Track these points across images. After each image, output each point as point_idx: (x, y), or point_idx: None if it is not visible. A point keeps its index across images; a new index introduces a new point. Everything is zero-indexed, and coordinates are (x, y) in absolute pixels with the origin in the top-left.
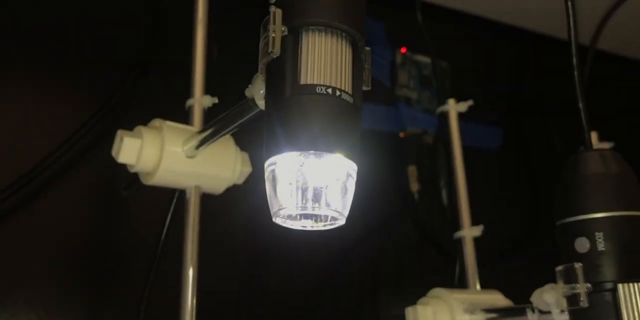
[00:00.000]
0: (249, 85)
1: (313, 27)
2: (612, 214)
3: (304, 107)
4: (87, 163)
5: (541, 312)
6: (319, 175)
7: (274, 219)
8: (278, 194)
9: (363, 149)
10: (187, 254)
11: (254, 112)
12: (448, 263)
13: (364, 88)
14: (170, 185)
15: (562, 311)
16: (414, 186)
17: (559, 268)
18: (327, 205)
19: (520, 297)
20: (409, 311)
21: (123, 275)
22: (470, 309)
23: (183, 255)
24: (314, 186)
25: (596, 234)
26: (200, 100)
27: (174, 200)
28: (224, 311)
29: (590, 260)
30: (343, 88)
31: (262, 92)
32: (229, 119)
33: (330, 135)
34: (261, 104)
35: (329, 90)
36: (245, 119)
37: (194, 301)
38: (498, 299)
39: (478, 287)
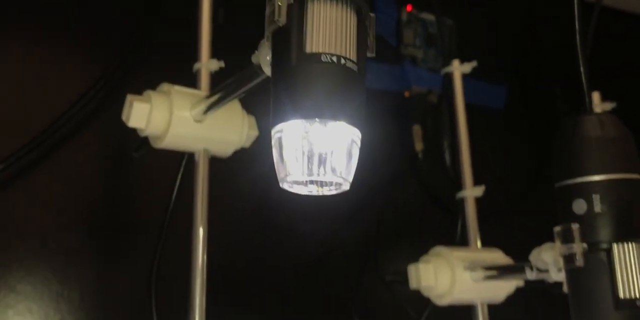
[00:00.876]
0: (255, 51)
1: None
2: (608, 177)
3: (309, 76)
4: (97, 124)
5: (539, 270)
6: (324, 142)
7: (280, 185)
8: (285, 161)
9: (368, 109)
10: (197, 213)
11: (260, 78)
12: (451, 221)
13: (369, 54)
14: (179, 148)
15: (559, 270)
16: (418, 145)
17: (557, 228)
18: (333, 171)
19: (521, 255)
20: (411, 269)
21: (137, 231)
22: (471, 267)
23: (193, 215)
24: (319, 153)
25: (593, 196)
26: (207, 64)
27: (184, 163)
28: (232, 273)
29: (587, 221)
30: (348, 56)
31: (268, 58)
32: (235, 84)
33: (335, 103)
34: (267, 70)
35: (334, 59)
36: (251, 85)
37: (205, 257)
38: (498, 257)
39: (479, 245)
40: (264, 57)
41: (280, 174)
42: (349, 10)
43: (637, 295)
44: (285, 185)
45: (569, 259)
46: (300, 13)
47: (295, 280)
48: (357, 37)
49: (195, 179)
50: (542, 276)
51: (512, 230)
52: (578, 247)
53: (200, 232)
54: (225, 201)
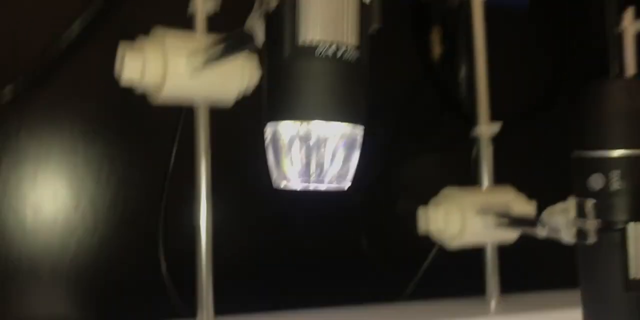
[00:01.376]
0: (249, 18)
1: None
2: (631, 153)
3: (303, 75)
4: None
5: (551, 228)
6: (320, 146)
7: (274, 185)
8: (280, 165)
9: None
10: (200, 168)
11: (253, 48)
12: (469, 130)
13: (374, 26)
14: (178, 101)
15: (571, 236)
16: (436, 50)
17: (571, 200)
18: (331, 177)
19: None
20: (421, 211)
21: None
22: (483, 212)
23: (195, 170)
24: (317, 158)
25: (612, 171)
26: (202, 6)
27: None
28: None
29: (603, 197)
30: (347, 42)
31: (260, 34)
32: (229, 46)
33: (331, 104)
34: (260, 43)
35: (331, 51)
36: (245, 50)
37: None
38: (511, 199)
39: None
40: (257, 32)
41: (274, 177)
42: None
43: None
44: (280, 186)
45: (581, 234)
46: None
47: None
48: (359, 14)
49: (196, 132)
50: (553, 235)
51: (527, 136)
52: (591, 224)
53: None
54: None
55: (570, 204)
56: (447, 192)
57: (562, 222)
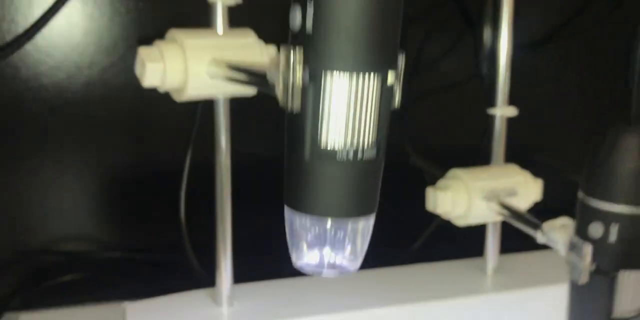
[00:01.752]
0: (268, 70)
1: (337, 72)
2: (634, 210)
3: (323, 177)
4: None
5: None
6: (337, 239)
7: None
8: (296, 247)
9: None
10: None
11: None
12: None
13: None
14: (202, 98)
15: (567, 252)
16: None
17: (573, 239)
18: (343, 259)
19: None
20: (429, 192)
21: None
22: (489, 197)
23: None
24: (329, 252)
25: (612, 224)
26: None
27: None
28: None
29: (600, 246)
30: (367, 144)
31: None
32: (248, 78)
33: (348, 202)
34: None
35: (350, 156)
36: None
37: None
38: (517, 181)
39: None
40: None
41: (292, 256)
42: (371, 82)
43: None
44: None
45: (574, 270)
46: (317, 97)
47: None
48: (379, 111)
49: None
50: (551, 245)
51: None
52: (585, 267)
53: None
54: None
55: (569, 222)
56: (454, 173)
57: (560, 240)
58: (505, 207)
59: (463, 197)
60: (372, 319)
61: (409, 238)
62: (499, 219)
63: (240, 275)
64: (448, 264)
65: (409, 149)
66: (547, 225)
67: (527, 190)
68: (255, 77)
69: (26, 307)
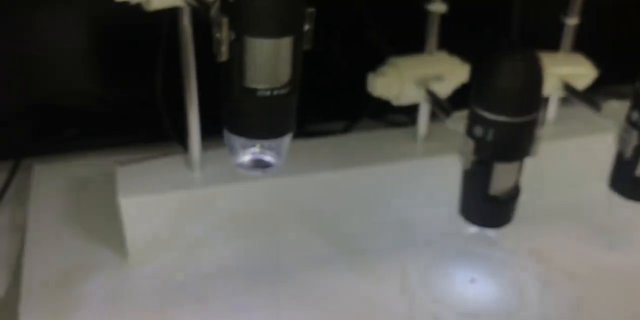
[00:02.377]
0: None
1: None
2: (504, 119)
3: (248, 107)
4: None
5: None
6: (262, 151)
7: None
8: (233, 154)
9: None
10: None
11: None
12: None
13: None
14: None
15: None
16: None
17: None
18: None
19: None
20: (370, 77)
21: None
22: (417, 83)
23: None
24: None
25: (489, 128)
26: None
27: None
28: None
29: (481, 143)
30: (281, 84)
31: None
32: (197, 5)
33: (268, 127)
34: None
35: (267, 93)
36: None
37: None
38: (446, 68)
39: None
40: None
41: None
42: (285, 40)
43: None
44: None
45: (463, 157)
46: (241, 52)
47: None
48: (292, 60)
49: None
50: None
51: None
52: (469, 157)
53: None
54: None
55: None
56: (392, 60)
57: (460, 129)
58: (430, 93)
59: (396, 83)
60: (317, 181)
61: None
62: (426, 100)
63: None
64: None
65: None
66: (456, 114)
67: (453, 75)
68: (203, 6)
69: (38, 155)
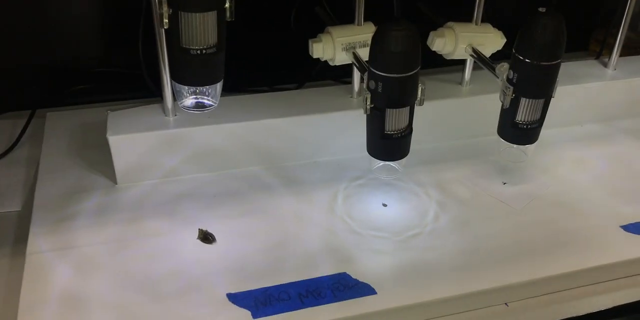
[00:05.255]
0: None
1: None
2: (389, 75)
3: (186, 63)
4: None
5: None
6: (200, 94)
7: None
8: (178, 97)
9: None
10: None
11: None
12: None
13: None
14: None
15: None
16: None
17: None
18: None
19: None
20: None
21: None
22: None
23: None
24: (198, 98)
25: (379, 82)
26: None
27: None
28: None
29: (374, 94)
30: (210, 45)
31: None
32: None
33: (201, 77)
34: None
35: (199, 51)
36: None
37: None
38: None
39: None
40: None
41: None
42: (210, 13)
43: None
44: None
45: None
46: (176, 22)
47: None
48: (218, 27)
49: None
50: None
51: None
52: (366, 105)
53: None
54: None
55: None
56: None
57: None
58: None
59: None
60: (268, 125)
61: None
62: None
63: None
64: (326, 88)
65: None
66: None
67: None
68: None
69: (51, 106)
